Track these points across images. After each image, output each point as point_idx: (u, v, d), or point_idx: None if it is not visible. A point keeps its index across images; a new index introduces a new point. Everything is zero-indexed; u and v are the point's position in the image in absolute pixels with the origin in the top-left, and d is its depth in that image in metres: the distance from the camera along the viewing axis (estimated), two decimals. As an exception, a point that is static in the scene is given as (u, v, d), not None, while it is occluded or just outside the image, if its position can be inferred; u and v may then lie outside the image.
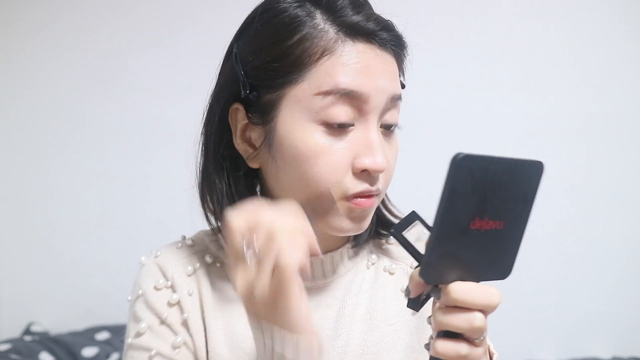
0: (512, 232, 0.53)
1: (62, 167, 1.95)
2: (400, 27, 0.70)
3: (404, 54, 0.71)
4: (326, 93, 0.63)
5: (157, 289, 0.72)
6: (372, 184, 0.65)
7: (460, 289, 0.50)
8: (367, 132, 0.65)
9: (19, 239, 1.98)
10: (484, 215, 0.49)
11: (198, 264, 0.75)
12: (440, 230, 0.48)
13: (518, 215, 0.53)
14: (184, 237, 0.79)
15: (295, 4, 0.66)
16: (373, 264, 0.79)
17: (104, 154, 1.94)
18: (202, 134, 0.74)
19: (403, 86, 0.75)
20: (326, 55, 0.64)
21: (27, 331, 1.87)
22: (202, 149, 0.74)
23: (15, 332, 1.90)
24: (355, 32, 0.64)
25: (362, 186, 0.65)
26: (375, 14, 0.68)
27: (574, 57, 1.79)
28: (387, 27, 0.67)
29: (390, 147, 0.69)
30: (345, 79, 0.63)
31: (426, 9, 1.80)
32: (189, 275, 0.74)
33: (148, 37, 1.91)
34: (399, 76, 0.71)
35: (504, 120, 1.79)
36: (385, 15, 0.70)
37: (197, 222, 0.78)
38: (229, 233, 0.53)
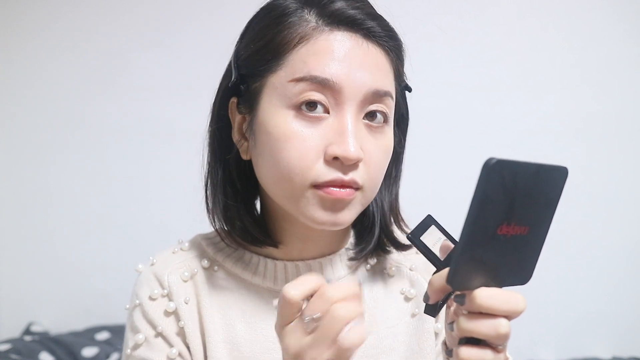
0: (536, 237, 0.53)
1: (62, 167, 1.95)
2: (399, 26, 0.70)
3: (398, 50, 0.69)
4: (299, 80, 0.64)
5: (152, 299, 0.73)
6: (344, 173, 0.64)
7: (486, 295, 0.50)
8: (340, 120, 0.63)
9: (19, 239, 1.98)
10: (511, 220, 0.49)
11: (195, 269, 0.75)
12: (470, 237, 0.48)
13: (542, 220, 0.52)
14: (180, 242, 0.79)
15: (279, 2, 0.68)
16: (372, 266, 0.78)
17: (104, 154, 1.94)
18: (208, 129, 0.75)
19: (408, 89, 0.74)
20: (303, 42, 0.64)
21: (27, 331, 1.87)
22: (207, 145, 0.75)
23: (15, 332, 1.89)
24: (335, 20, 0.64)
25: (333, 174, 0.63)
26: (365, 5, 0.67)
27: (574, 56, 1.79)
28: (373, 16, 0.66)
29: (377, 142, 0.66)
30: (318, 67, 0.63)
31: (426, 9, 1.80)
32: (185, 282, 0.74)
33: (148, 37, 1.91)
34: (397, 74, 0.70)
35: (504, 119, 1.79)
36: (386, 16, 0.70)
37: (196, 222, 0.78)
38: (283, 299, 0.55)
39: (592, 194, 1.78)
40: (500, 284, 0.52)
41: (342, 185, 0.64)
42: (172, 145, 1.85)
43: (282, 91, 0.65)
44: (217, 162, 0.74)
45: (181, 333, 0.72)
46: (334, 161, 0.63)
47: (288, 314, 0.55)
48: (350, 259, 0.76)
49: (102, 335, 1.79)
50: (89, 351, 1.70)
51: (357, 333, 0.53)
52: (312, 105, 0.63)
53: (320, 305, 0.54)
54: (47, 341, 1.72)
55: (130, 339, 0.73)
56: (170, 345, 0.71)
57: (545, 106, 1.79)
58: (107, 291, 1.86)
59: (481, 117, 1.80)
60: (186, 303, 0.73)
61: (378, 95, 0.65)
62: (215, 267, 0.75)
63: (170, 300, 0.73)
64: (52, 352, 1.67)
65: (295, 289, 0.54)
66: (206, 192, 0.75)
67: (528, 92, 1.80)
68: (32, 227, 1.97)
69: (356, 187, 0.65)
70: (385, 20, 0.68)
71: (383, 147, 0.67)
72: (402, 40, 0.70)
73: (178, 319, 0.72)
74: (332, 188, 0.64)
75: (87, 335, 1.78)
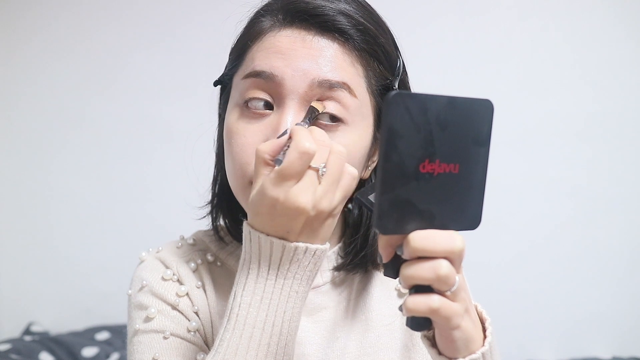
0: (471, 176, 0.51)
1: (62, 167, 1.95)
2: (399, 27, 0.70)
3: (371, 46, 0.65)
4: (247, 76, 0.65)
5: (164, 279, 0.72)
6: None
7: (419, 236, 0.48)
8: (280, 116, 0.63)
9: (19, 239, 1.98)
10: (434, 157, 0.48)
11: (200, 260, 0.75)
12: (387, 174, 0.46)
13: (474, 158, 0.51)
14: (182, 237, 0.79)
15: (270, 2, 0.68)
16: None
17: (104, 154, 1.94)
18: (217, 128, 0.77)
19: (389, 88, 0.68)
20: (256, 40, 0.66)
21: (27, 331, 1.87)
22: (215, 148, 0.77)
23: (15, 332, 1.89)
24: (290, 15, 0.64)
25: None
26: (329, 1, 0.64)
27: (575, 57, 1.79)
28: (340, 11, 0.64)
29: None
30: (262, 62, 0.64)
31: (426, 9, 1.80)
32: (194, 272, 0.74)
33: (148, 37, 1.91)
34: (370, 72, 0.66)
35: (504, 120, 1.78)
36: (386, 16, 0.69)
37: (195, 221, 0.78)
38: (299, 151, 0.53)
39: (593, 195, 1.78)
40: (443, 229, 0.50)
41: None
42: (172, 145, 1.84)
43: (236, 89, 0.67)
44: (220, 158, 0.74)
45: (196, 315, 0.71)
46: None
47: (303, 168, 0.54)
48: (335, 269, 0.74)
49: (102, 335, 1.79)
50: (89, 351, 1.70)
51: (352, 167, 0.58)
52: (256, 101, 0.64)
53: (324, 152, 0.55)
54: (47, 341, 1.72)
55: (137, 317, 0.70)
56: (189, 320, 0.70)
57: (546, 106, 1.79)
58: (107, 291, 1.86)
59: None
60: (198, 288, 0.72)
61: (326, 87, 0.62)
62: (219, 263, 0.76)
63: (181, 284, 0.72)
64: (52, 352, 1.66)
65: (308, 141, 0.54)
66: (214, 189, 0.76)
67: (529, 93, 1.80)
68: (32, 227, 1.97)
69: None
70: (359, 16, 0.65)
71: None
72: (380, 37, 0.66)
73: (192, 304, 0.71)
74: None
75: (87, 335, 1.78)
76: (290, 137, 0.56)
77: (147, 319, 0.69)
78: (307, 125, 0.59)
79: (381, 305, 0.76)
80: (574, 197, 1.78)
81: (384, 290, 0.77)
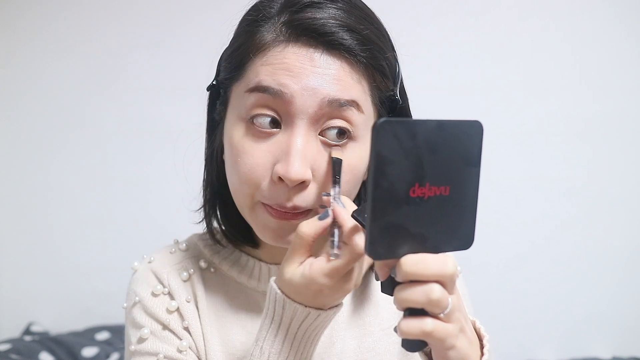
0: (462, 197, 0.51)
1: (62, 167, 1.95)
2: (399, 28, 0.69)
3: (376, 61, 0.64)
4: (250, 90, 0.63)
5: (154, 295, 0.72)
6: (287, 199, 0.62)
7: (411, 260, 0.49)
8: (289, 137, 0.61)
9: (19, 239, 1.97)
10: (423, 181, 0.48)
11: (192, 269, 0.75)
12: (377, 201, 0.46)
13: (464, 179, 0.51)
14: (176, 242, 0.79)
15: (263, 5, 0.66)
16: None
17: (104, 154, 1.94)
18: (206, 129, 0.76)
19: (395, 102, 0.69)
20: (259, 53, 0.63)
21: (27, 331, 1.87)
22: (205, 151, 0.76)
23: (15, 332, 1.89)
24: (297, 30, 0.62)
25: (275, 199, 0.62)
26: (339, 15, 0.62)
27: (575, 57, 1.79)
28: (344, 26, 0.62)
29: None
30: (266, 76, 0.61)
31: (426, 9, 1.80)
32: (185, 282, 0.74)
33: (148, 37, 1.91)
34: (375, 87, 0.65)
35: (504, 120, 1.79)
36: (384, 18, 0.69)
37: (195, 222, 0.78)
38: (357, 254, 0.55)
39: (592, 195, 1.78)
40: (435, 251, 0.50)
41: (285, 210, 0.63)
42: (172, 146, 1.84)
43: (239, 102, 0.64)
44: (213, 162, 0.74)
45: (186, 330, 0.72)
46: (280, 181, 0.61)
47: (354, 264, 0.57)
48: None
49: (102, 335, 1.79)
50: (89, 351, 1.70)
51: None
52: (262, 118, 0.62)
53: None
54: (47, 341, 1.72)
55: (133, 335, 0.71)
56: (180, 338, 0.70)
57: (546, 107, 1.79)
58: (107, 291, 1.86)
59: (482, 118, 1.79)
60: (188, 302, 0.72)
61: (335, 106, 0.61)
62: (212, 269, 0.75)
63: (172, 298, 0.72)
64: (52, 352, 1.66)
65: (363, 242, 0.54)
66: (205, 192, 0.75)
67: (529, 93, 1.80)
68: (31, 228, 1.97)
69: (300, 211, 0.63)
70: (366, 31, 0.63)
71: (346, 167, 0.63)
72: (386, 51, 0.66)
73: (182, 318, 0.72)
74: (277, 209, 0.63)
75: (87, 335, 1.78)
76: (334, 221, 0.56)
77: (141, 340, 0.70)
78: (338, 188, 0.60)
79: (379, 310, 0.76)
80: (574, 197, 1.78)
81: (382, 295, 0.77)
